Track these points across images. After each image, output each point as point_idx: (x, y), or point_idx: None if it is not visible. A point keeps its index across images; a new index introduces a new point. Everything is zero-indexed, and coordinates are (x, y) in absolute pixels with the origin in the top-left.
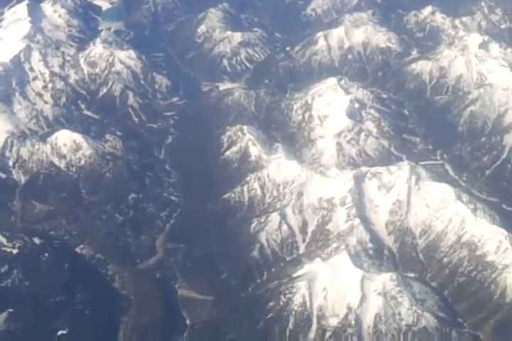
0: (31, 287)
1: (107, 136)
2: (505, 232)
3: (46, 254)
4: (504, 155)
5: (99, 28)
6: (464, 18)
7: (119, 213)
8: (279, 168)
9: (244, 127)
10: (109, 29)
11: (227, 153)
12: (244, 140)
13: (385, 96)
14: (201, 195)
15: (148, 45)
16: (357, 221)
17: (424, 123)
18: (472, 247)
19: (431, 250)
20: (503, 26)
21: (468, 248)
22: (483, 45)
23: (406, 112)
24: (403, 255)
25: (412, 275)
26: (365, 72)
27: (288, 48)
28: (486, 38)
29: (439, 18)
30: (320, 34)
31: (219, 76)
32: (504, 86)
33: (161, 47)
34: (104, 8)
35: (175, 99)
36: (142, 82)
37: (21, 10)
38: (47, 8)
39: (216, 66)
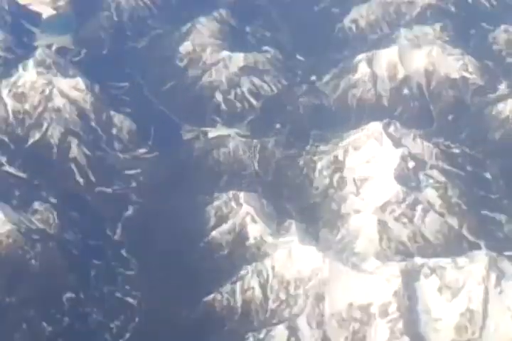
0: None
1: (36, 205)
2: None
3: None
4: None
5: (35, 43)
6: None
7: (47, 322)
8: (290, 256)
9: (241, 194)
10: (49, 46)
11: (214, 233)
12: (240, 214)
13: (456, 151)
14: (173, 297)
15: (106, 71)
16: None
17: None
18: None
19: None
20: None
21: None
22: None
23: (488, 176)
24: None
25: None
26: (428, 114)
27: (313, 78)
28: None
29: None
30: (361, 57)
31: (209, 117)
32: None
33: (126, 74)
34: (44, 16)
35: (141, 151)
36: (93, 124)
37: None
38: None
39: (205, 102)
